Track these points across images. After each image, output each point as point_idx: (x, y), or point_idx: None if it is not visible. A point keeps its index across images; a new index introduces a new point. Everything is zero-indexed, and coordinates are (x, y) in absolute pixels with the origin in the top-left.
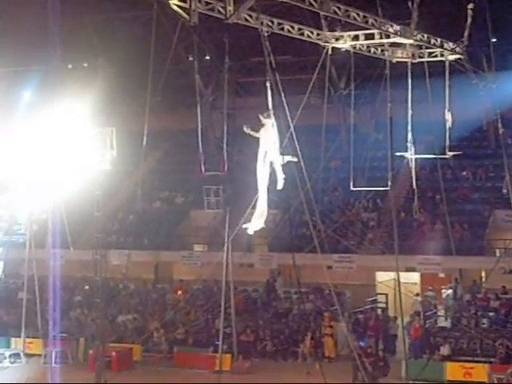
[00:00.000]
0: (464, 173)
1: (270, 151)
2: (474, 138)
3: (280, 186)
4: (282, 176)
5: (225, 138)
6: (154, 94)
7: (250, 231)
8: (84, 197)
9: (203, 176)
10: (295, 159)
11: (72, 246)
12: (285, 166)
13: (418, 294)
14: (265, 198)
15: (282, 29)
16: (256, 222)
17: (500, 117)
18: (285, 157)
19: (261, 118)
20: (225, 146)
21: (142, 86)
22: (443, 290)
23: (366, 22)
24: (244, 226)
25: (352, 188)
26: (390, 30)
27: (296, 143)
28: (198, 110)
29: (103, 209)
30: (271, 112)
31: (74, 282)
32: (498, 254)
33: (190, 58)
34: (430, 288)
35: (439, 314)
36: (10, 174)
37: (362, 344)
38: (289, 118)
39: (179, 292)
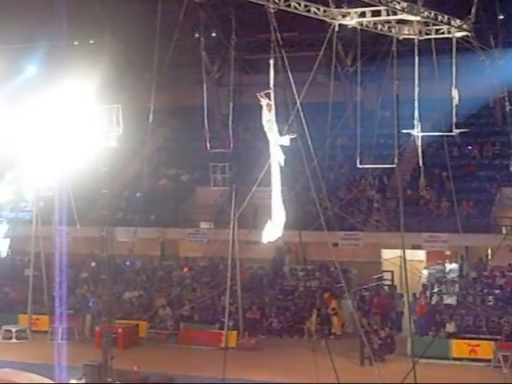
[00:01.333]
0: (470, 150)
1: (267, 131)
2: (481, 116)
3: (282, 163)
4: (282, 156)
5: (231, 115)
6: (160, 71)
7: (264, 240)
8: (90, 174)
9: (209, 153)
10: (294, 135)
11: (78, 223)
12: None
13: (426, 268)
14: (280, 203)
15: (289, 5)
16: (271, 231)
17: (507, 94)
18: (285, 137)
19: (258, 97)
20: (231, 123)
21: (148, 62)
22: (447, 265)
23: None
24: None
25: (358, 165)
26: (397, 6)
27: (303, 120)
28: (204, 87)
29: (110, 186)
30: (269, 92)
31: (81, 258)
32: (504, 232)
33: (197, 35)
34: (439, 262)
35: (445, 291)
36: (16, 151)
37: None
38: (295, 95)
39: (185, 269)
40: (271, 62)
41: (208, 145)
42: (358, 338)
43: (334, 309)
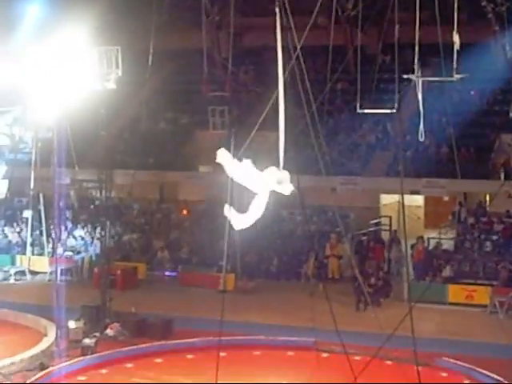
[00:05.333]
0: (471, 96)
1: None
2: (482, 61)
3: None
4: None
5: (230, 58)
6: (159, 13)
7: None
8: (89, 116)
9: (208, 96)
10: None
11: (77, 165)
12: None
13: None
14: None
15: None
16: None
17: (508, 40)
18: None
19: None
20: (230, 66)
21: (147, 4)
22: None
23: None
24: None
25: (358, 110)
26: None
27: (302, 64)
28: (203, 29)
29: (108, 128)
30: None
31: (79, 200)
32: (502, 178)
33: None
34: None
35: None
36: (14, 93)
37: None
38: (295, 39)
39: (184, 212)
40: (277, 9)
41: (207, 88)
42: (353, 284)
43: (338, 250)
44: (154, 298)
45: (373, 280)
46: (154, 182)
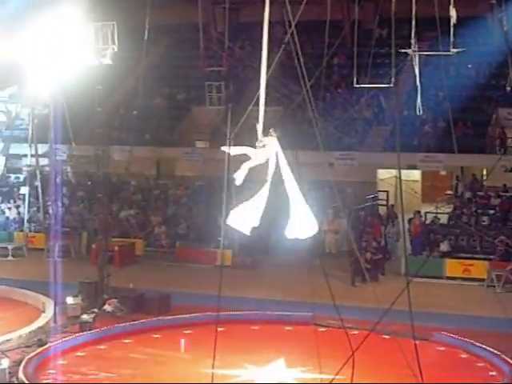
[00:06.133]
0: (468, 70)
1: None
2: (479, 35)
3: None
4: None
5: (226, 33)
6: None
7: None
8: (85, 92)
9: (205, 72)
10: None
11: (74, 142)
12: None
13: None
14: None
15: None
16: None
17: (506, 13)
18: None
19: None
20: (226, 41)
21: None
22: None
23: None
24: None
25: (355, 85)
26: None
27: (296, 39)
28: (199, 4)
29: (104, 104)
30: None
31: (77, 177)
32: (499, 152)
33: None
34: None
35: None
36: (10, 69)
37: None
38: (290, 14)
39: (181, 188)
40: None
41: (204, 63)
42: (349, 260)
43: (335, 225)
44: (152, 274)
45: (369, 255)
46: (151, 158)
